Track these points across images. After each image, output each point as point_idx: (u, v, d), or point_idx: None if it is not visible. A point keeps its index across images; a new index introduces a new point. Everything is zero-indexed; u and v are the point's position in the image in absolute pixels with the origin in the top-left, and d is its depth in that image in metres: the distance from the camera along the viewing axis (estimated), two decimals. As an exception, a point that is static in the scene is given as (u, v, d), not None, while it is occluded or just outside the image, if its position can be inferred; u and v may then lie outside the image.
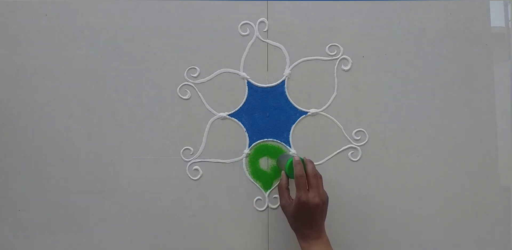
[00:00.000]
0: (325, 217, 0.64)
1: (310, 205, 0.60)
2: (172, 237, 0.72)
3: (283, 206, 0.64)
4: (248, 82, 0.73)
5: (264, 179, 0.72)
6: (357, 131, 0.73)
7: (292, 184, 0.63)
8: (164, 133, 0.72)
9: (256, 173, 0.72)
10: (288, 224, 0.64)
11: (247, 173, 0.72)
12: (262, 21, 0.73)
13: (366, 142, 0.73)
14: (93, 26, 0.73)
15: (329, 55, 0.74)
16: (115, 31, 0.73)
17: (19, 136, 0.72)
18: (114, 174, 0.72)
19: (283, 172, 0.65)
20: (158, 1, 0.73)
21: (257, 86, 0.73)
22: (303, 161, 0.63)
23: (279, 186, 0.66)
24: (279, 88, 0.73)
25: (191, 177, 0.72)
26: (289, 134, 0.73)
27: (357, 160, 0.73)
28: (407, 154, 0.73)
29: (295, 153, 0.72)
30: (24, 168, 0.72)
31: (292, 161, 0.63)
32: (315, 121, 0.73)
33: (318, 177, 0.63)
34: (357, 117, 0.73)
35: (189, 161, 0.72)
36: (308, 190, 0.61)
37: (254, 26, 0.73)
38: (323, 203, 0.62)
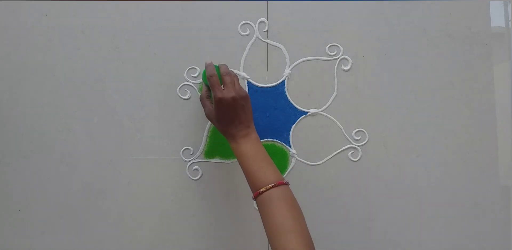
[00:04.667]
0: (251, 114, 0.63)
1: (227, 100, 0.60)
2: (172, 237, 0.72)
3: (207, 115, 0.64)
4: (248, 82, 0.73)
5: (264, 179, 0.72)
6: (357, 131, 0.73)
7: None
8: (164, 133, 0.72)
9: (256, 173, 0.72)
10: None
11: (247, 173, 0.72)
12: (262, 21, 0.73)
13: (366, 142, 0.73)
14: (93, 26, 0.73)
15: (329, 55, 0.74)
16: (115, 31, 0.73)
17: (19, 136, 0.72)
18: (114, 174, 0.72)
19: (203, 84, 0.66)
20: (158, 1, 0.73)
21: (257, 86, 0.73)
22: (217, 67, 0.64)
23: (200, 97, 0.66)
24: (279, 88, 0.73)
25: (191, 177, 0.72)
26: (289, 134, 0.73)
27: (357, 160, 0.73)
28: (407, 154, 0.73)
29: (295, 152, 0.72)
30: (24, 168, 0.72)
31: (204, 71, 0.64)
32: (315, 121, 0.73)
33: (232, 75, 0.63)
34: (357, 117, 0.73)
35: (189, 161, 0.72)
36: (223, 88, 0.62)
37: (254, 26, 0.73)
38: (241, 97, 0.61)
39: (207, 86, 0.66)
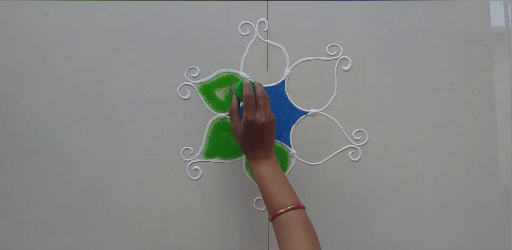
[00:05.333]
0: (274, 139, 0.65)
1: (257, 124, 0.61)
2: (172, 237, 0.72)
3: (233, 129, 0.65)
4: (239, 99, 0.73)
5: (264, 179, 0.72)
6: (357, 131, 0.73)
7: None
8: (164, 133, 0.72)
9: (256, 173, 0.72)
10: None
11: (247, 173, 0.72)
12: (262, 21, 0.73)
13: (366, 142, 0.73)
14: (93, 26, 0.73)
15: (329, 55, 0.74)
16: (115, 31, 0.73)
17: (19, 136, 0.72)
18: (114, 174, 0.72)
19: (234, 96, 0.66)
20: (158, 1, 0.73)
21: (257, 86, 0.73)
22: (253, 84, 0.64)
23: (230, 110, 0.66)
24: (279, 88, 0.73)
25: (191, 177, 0.72)
26: (289, 134, 0.73)
27: (357, 160, 0.73)
28: (407, 154, 0.73)
29: (295, 152, 0.72)
30: (24, 168, 0.72)
31: (241, 84, 0.63)
32: (315, 121, 0.73)
33: (266, 98, 0.64)
34: (357, 117, 0.73)
35: (189, 161, 0.72)
36: (256, 110, 0.62)
37: (254, 26, 0.73)
38: (270, 123, 0.62)
39: (238, 99, 0.65)
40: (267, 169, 0.62)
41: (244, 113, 0.61)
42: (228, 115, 0.69)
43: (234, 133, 0.65)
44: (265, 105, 0.63)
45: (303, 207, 0.59)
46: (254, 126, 0.61)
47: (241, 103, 0.65)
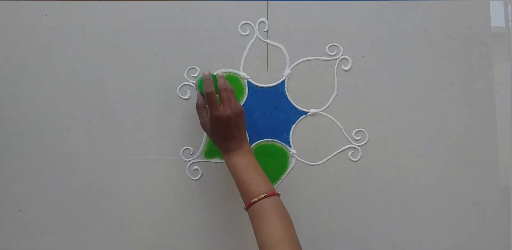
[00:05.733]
0: (244, 128, 0.65)
1: (223, 119, 0.61)
2: (172, 237, 0.72)
3: (202, 125, 0.66)
4: (248, 82, 0.73)
5: (264, 179, 0.72)
6: (357, 131, 0.73)
7: None
8: (164, 133, 0.72)
9: (256, 173, 0.72)
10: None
11: (247, 173, 0.72)
12: (262, 21, 0.73)
13: (366, 142, 0.73)
14: (93, 26, 0.73)
15: (329, 55, 0.74)
16: (115, 31, 0.73)
17: (19, 136, 0.72)
18: (114, 174, 0.72)
19: (198, 91, 0.66)
20: (158, 1, 0.73)
21: (257, 86, 0.73)
22: (214, 77, 0.64)
23: (196, 106, 0.66)
24: (279, 88, 0.73)
25: (191, 177, 0.72)
26: (289, 134, 0.73)
27: (357, 160, 0.73)
28: (407, 154, 0.73)
29: (295, 152, 0.72)
30: (24, 168, 0.72)
31: (201, 80, 0.64)
32: (315, 121, 0.73)
33: (229, 90, 0.64)
34: (357, 117, 0.73)
35: (189, 161, 0.72)
36: (219, 104, 0.62)
37: (254, 26, 0.73)
38: (236, 115, 0.63)
39: (202, 95, 0.65)
40: (239, 159, 0.63)
41: (208, 110, 0.62)
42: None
43: (204, 128, 0.66)
44: (229, 98, 0.63)
45: (278, 194, 0.60)
46: (220, 120, 0.62)
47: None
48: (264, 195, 0.58)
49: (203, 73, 0.63)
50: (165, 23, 0.73)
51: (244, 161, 0.63)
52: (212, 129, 0.63)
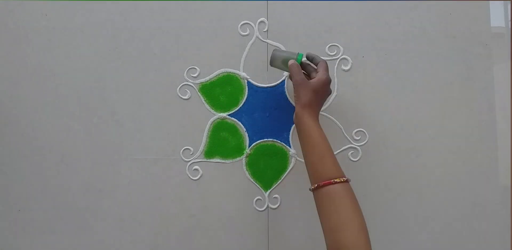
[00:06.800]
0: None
1: (329, 84, 0.64)
2: (172, 237, 0.72)
3: (299, 82, 0.63)
4: (248, 82, 0.73)
5: (264, 179, 0.72)
6: (357, 131, 0.73)
7: None
8: (164, 133, 0.72)
9: (256, 173, 0.72)
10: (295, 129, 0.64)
11: (247, 173, 0.72)
12: (262, 21, 0.73)
13: (366, 142, 0.73)
14: (93, 26, 0.73)
15: (329, 55, 0.74)
16: (115, 31, 0.73)
17: (19, 136, 0.72)
18: (114, 174, 0.72)
19: (293, 60, 0.66)
20: (158, 1, 0.73)
21: (257, 86, 0.73)
22: (300, 56, 0.67)
23: (291, 65, 0.65)
24: (279, 88, 0.73)
25: (191, 177, 0.72)
26: (289, 134, 0.73)
27: (357, 160, 0.73)
28: (407, 154, 0.73)
29: (295, 152, 0.72)
30: (24, 168, 0.72)
31: (301, 55, 0.67)
32: (315, 121, 0.73)
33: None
34: (357, 117, 0.73)
35: (189, 161, 0.72)
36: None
37: (254, 26, 0.73)
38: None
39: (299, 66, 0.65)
40: (319, 131, 0.61)
41: (324, 73, 0.64)
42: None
43: (301, 84, 0.63)
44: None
45: (349, 181, 0.59)
46: (328, 85, 0.64)
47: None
48: (346, 178, 0.58)
49: (308, 53, 0.67)
50: (165, 23, 0.73)
51: (323, 136, 0.61)
52: (319, 88, 0.63)
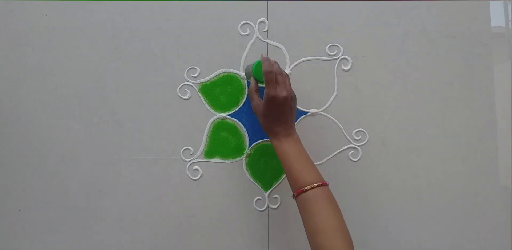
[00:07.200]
0: (295, 116, 0.65)
1: (279, 99, 0.61)
2: (172, 237, 0.72)
3: (254, 108, 0.66)
4: (248, 82, 0.73)
5: (264, 179, 0.72)
6: (357, 131, 0.73)
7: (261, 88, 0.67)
8: (164, 133, 0.72)
9: (256, 173, 0.72)
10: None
11: (247, 173, 0.72)
12: (262, 21, 0.73)
13: (366, 142, 0.73)
14: (93, 26, 0.73)
15: (329, 55, 0.74)
16: (115, 31, 0.73)
17: (19, 136, 0.72)
18: (114, 174, 0.72)
19: (252, 77, 0.67)
20: (158, 1, 0.73)
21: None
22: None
23: (249, 90, 0.67)
24: (279, 88, 0.73)
25: (191, 177, 0.72)
26: (289, 134, 0.73)
27: (357, 160, 0.73)
28: (407, 154, 0.73)
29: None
30: (24, 168, 0.72)
31: (257, 64, 0.64)
32: (315, 121, 0.73)
33: (284, 75, 0.64)
34: (357, 117, 0.73)
35: (189, 161, 0.72)
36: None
37: (254, 26, 0.73)
38: (291, 97, 0.63)
39: (256, 80, 0.66)
40: (290, 146, 0.62)
41: (265, 89, 0.61)
42: (249, 98, 0.69)
43: (255, 111, 0.66)
44: (284, 81, 0.63)
45: (327, 185, 0.60)
46: (276, 100, 0.61)
47: (259, 84, 0.67)
48: (316, 184, 0.59)
49: (261, 55, 0.63)
50: (165, 23, 0.73)
51: (296, 148, 0.62)
52: (265, 111, 0.62)
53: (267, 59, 0.62)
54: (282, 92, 0.61)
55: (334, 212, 0.58)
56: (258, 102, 0.65)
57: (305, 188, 0.58)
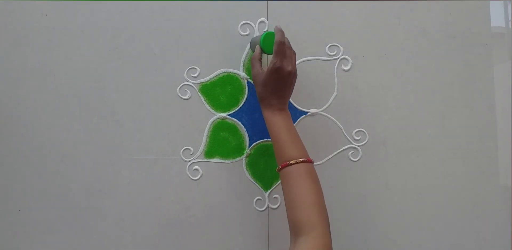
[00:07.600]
0: (291, 94, 0.65)
1: (284, 72, 0.61)
2: (172, 237, 0.72)
3: (254, 75, 0.65)
4: (248, 82, 0.73)
5: (264, 179, 0.72)
6: (357, 131, 0.73)
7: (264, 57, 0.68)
8: (164, 133, 0.72)
9: (256, 173, 0.72)
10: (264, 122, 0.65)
11: (247, 173, 0.72)
12: (262, 21, 0.73)
13: (366, 142, 0.73)
14: (93, 26, 0.73)
15: (329, 55, 0.74)
16: (115, 31, 0.73)
17: (19, 136, 0.72)
18: (114, 174, 0.72)
19: (258, 46, 0.66)
20: (158, 1, 0.73)
21: (257, 86, 0.73)
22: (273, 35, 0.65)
23: (252, 57, 0.67)
24: (279, 88, 0.73)
25: (191, 177, 0.72)
26: (289, 134, 0.73)
27: (357, 160, 0.73)
28: (407, 154, 0.73)
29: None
30: (24, 168, 0.72)
31: (267, 34, 0.65)
32: (315, 121, 0.73)
33: (293, 51, 0.64)
34: (357, 117, 0.73)
35: (189, 161, 0.72)
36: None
37: (254, 26, 0.73)
38: (294, 73, 0.63)
39: (261, 49, 0.66)
40: (282, 119, 0.63)
41: (273, 59, 0.62)
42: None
43: (255, 79, 0.65)
44: (291, 56, 0.63)
45: (312, 162, 0.61)
46: (280, 72, 0.61)
47: (262, 55, 0.67)
48: (302, 159, 0.59)
49: (276, 26, 0.63)
50: (165, 23, 0.73)
51: (288, 123, 0.63)
52: (267, 80, 0.62)
53: (282, 30, 0.62)
54: (288, 66, 0.62)
55: (314, 188, 0.58)
56: (259, 70, 0.65)
57: (290, 162, 0.59)
